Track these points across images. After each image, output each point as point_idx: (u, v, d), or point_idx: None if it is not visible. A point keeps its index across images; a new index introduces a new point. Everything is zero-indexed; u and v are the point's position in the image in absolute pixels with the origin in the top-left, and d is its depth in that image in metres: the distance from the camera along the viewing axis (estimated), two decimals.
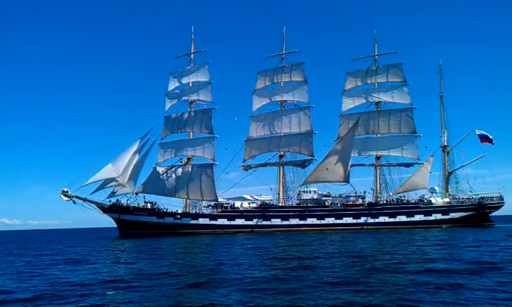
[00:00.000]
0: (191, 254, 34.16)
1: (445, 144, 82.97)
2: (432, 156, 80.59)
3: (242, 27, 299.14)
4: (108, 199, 75.64)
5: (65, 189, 72.74)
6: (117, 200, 75.98)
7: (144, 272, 22.83)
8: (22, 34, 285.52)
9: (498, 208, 79.62)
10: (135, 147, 76.88)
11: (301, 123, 79.11)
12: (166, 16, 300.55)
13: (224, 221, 75.67)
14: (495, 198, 79.44)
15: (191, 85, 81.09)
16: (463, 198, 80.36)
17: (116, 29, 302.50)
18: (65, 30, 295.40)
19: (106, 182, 75.12)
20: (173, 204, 79.60)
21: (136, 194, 77.42)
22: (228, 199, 79.05)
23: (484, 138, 79.99)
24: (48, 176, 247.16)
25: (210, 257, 31.00)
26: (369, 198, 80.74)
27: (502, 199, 79.19)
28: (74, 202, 73.42)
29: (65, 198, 72.84)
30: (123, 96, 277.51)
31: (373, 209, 77.39)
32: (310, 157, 78.59)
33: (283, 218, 76.25)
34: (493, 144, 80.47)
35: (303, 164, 78.84)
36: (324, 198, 79.51)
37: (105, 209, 75.24)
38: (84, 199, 73.58)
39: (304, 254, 30.49)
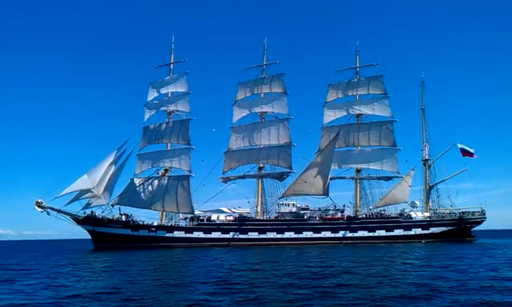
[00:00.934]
0: (144, 271, 32.70)
1: (427, 157, 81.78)
2: (413, 170, 79.66)
3: (224, 38, 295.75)
4: (83, 211, 74.36)
5: (39, 200, 71.25)
6: (92, 212, 74.56)
7: (62, 295, 21.34)
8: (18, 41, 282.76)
9: (479, 223, 78.39)
10: (111, 158, 75.64)
11: (280, 135, 78.11)
12: (148, 26, 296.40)
13: (200, 234, 74.28)
14: (476, 213, 78.22)
15: (169, 95, 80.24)
16: (444, 213, 79.07)
17: (96, 37, 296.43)
18: (42, 38, 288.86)
19: (81, 193, 73.73)
20: (151, 217, 78.47)
21: (112, 205, 75.95)
22: (206, 211, 77.68)
23: (465, 152, 78.92)
24: (43, 185, 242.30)
25: (157, 276, 29.53)
26: (349, 212, 79.54)
27: (484, 214, 77.96)
28: (48, 213, 71.98)
29: (39, 209, 71.31)
30: (102, 106, 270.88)
31: (352, 223, 76.07)
32: (288, 170, 77.46)
33: (260, 231, 74.89)
34: (474, 157, 79.46)
35: (281, 177, 77.68)
36: (302, 211, 78.16)
37: (79, 221, 73.80)
38: (58, 211, 72.15)
39: (259, 274, 28.89)
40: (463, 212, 78.45)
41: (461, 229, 76.75)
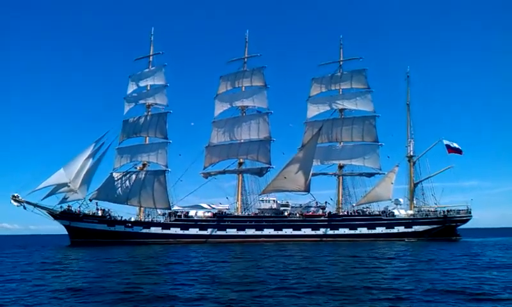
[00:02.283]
0: (90, 272, 30.70)
1: (411, 154, 79.39)
2: (397, 166, 77.62)
3: (205, 31, 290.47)
4: (59, 206, 72.97)
5: (15, 194, 69.95)
6: (68, 206, 73.10)
7: None
8: None
9: (465, 221, 76.40)
10: (89, 152, 74.08)
11: (260, 129, 76.40)
12: (128, 18, 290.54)
13: (178, 230, 72.63)
14: (462, 211, 76.17)
15: (149, 88, 78.54)
16: (428, 211, 76.97)
17: (74, 31, 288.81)
18: (16, 32, 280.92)
19: (58, 187, 72.30)
20: (132, 213, 76.95)
21: (90, 200, 74.59)
22: (185, 207, 75.95)
23: (451, 149, 76.73)
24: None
25: (87, 275, 27.81)
26: (331, 209, 77.51)
27: (470, 213, 75.91)
28: (25, 207, 70.66)
29: (15, 203, 69.97)
30: (83, 99, 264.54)
31: (333, 220, 74.21)
32: (267, 165, 75.69)
33: (239, 228, 73.14)
34: (461, 154, 77.39)
35: (260, 172, 75.94)
36: (282, 208, 76.26)
37: (55, 215, 72.42)
38: (35, 205, 70.89)
39: (193, 278, 26.66)
40: (448, 210, 76.39)
41: (446, 227, 74.82)
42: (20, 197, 69.79)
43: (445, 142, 76.81)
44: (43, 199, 71.70)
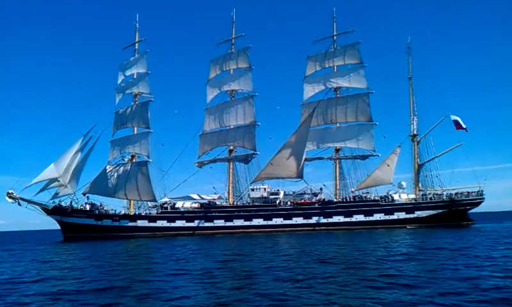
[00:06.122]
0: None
1: (415, 132, 72.10)
2: (399, 147, 70.90)
3: (191, 13, 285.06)
4: (51, 201, 72.77)
5: (10, 191, 70.32)
6: (59, 201, 72.83)
7: None
8: None
9: (476, 204, 68.69)
10: (77, 146, 73.30)
11: (245, 114, 72.52)
12: (113, 5, 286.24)
13: (164, 223, 70.30)
14: (472, 194, 68.58)
15: (135, 76, 76.45)
16: (434, 194, 69.89)
17: (64, 20, 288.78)
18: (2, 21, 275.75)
19: (49, 183, 72.14)
20: (124, 206, 75.63)
21: (84, 194, 73.99)
22: (175, 198, 73.46)
23: (460, 125, 69.24)
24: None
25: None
26: (328, 196, 72.26)
27: (482, 195, 68.23)
28: (19, 204, 70.96)
29: (10, 200, 70.49)
30: (76, 91, 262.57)
31: (326, 208, 69.00)
32: (252, 151, 71.49)
33: (227, 219, 69.72)
34: (467, 131, 69.84)
35: (246, 159, 71.90)
36: (272, 196, 71.84)
37: (48, 211, 72.32)
38: (29, 201, 71.01)
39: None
40: (456, 193, 68.99)
41: (454, 212, 67.52)
42: (14, 194, 69.99)
43: (453, 117, 69.42)
44: (36, 194, 71.84)
